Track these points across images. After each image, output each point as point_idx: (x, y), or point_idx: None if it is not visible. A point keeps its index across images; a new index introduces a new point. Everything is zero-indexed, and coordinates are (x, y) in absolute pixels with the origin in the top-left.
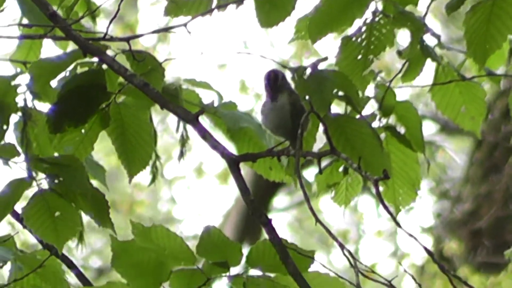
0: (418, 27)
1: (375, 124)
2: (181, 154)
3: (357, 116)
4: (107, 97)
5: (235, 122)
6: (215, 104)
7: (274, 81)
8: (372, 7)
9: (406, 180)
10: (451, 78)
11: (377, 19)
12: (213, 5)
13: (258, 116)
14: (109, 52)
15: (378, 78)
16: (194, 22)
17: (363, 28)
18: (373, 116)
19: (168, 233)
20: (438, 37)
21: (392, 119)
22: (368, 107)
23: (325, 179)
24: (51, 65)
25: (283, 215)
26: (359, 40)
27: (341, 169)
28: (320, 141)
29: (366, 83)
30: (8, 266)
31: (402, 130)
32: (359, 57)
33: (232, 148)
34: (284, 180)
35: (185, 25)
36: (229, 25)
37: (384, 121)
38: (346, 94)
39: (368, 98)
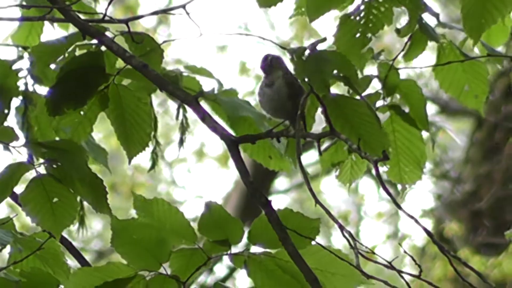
0: (416, 5)
1: (379, 103)
2: (181, 141)
3: (356, 97)
4: (106, 79)
5: (235, 110)
6: (215, 91)
7: (268, 64)
8: None
9: (411, 158)
10: (453, 57)
11: None
12: None
13: (257, 98)
14: (108, 34)
15: (381, 57)
16: (193, 4)
17: (362, 7)
18: (376, 94)
19: (169, 207)
20: (436, 15)
21: (396, 98)
22: (372, 86)
23: (330, 157)
24: (51, 47)
25: (283, 197)
26: (357, 18)
27: (345, 147)
28: (319, 122)
29: (365, 61)
30: (7, 248)
31: (406, 108)
32: (357, 35)
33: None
34: (284, 168)
35: (183, 6)
36: (228, 7)
37: (388, 99)
38: (345, 75)
39: (372, 77)
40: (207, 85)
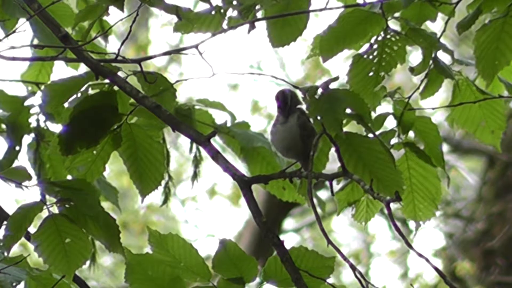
0: (430, 43)
1: (394, 140)
2: (195, 175)
3: (370, 135)
4: (119, 118)
5: (249, 141)
6: (228, 124)
7: (283, 101)
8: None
9: (426, 195)
10: (469, 93)
11: (388, 36)
12: (224, 23)
13: (269, 137)
14: (121, 74)
15: (397, 95)
16: (206, 43)
17: (375, 46)
18: (392, 132)
19: (184, 243)
20: (451, 52)
21: (411, 134)
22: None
23: (346, 196)
24: (63, 86)
25: (294, 236)
26: (370, 57)
27: None
28: (333, 160)
29: (378, 99)
30: (21, 285)
31: (421, 145)
32: (371, 73)
33: (244, 169)
34: (298, 200)
35: (196, 46)
36: (241, 47)
37: (403, 137)
38: (358, 113)
39: (387, 114)
40: (220, 118)
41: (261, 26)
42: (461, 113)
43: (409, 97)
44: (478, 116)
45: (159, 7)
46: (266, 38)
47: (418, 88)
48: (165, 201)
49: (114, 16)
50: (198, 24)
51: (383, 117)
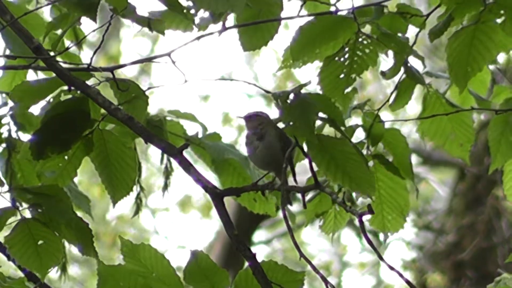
0: (402, 47)
1: (364, 152)
2: (165, 186)
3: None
4: (91, 124)
5: (220, 153)
6: (200, 136)
7: (256, 116)
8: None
9: (394, 207)
10: (439, 106)
11: (360, 39)
12: (195, 22)
13: (242, 149)
14: (93, 81)
15: (366, 107)
16: (177, 53)
17: (346, 48)
18: (361, 144)
19: (156, 254)
20: (422, 58)
21: (380, 148)
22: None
23: (314, 208)
24: (34, 88)
25: (264, 248)
26: (342, 59)
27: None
28: (304, 171)
29: (348, 100)
30: None
31: (390, 157)
32: (342, 76)
33: (215, 180)
34: (268, 212)
35: (169, 54)
36: (212, 56)
37: (372, 149)
38: (330, 117)
39: (356, 127)
40: (191, 129)
41: (233, 34)
42: (430, 126)
43: (379, 109)
44: (447, 129)
45: (130, 19)
46: (237, 45)
47: (388, 101)
48: (137, 211)
49: (86, 26)
50: (168, 21)
51: (352, 129)
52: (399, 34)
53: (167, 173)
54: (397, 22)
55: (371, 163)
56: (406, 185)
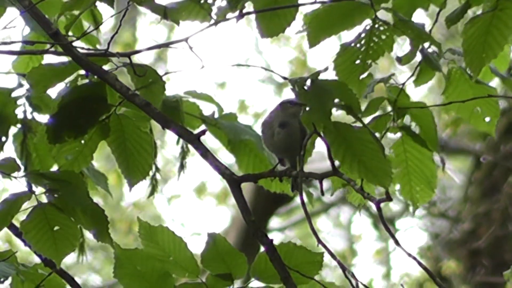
0: (418, 34)
1: (390, 124)
2: (181, 167)
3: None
4: (107, 109)
5: (236, 134)
6: (216, 116)
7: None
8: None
9: (422, 178)
10: (463, 81)
11: (377, 25)
12: (212, 13)
13: (262, 134)
14: (110, 66)
15: (391, 81)
16: (194, 39)
17: (363, 34)
18: (388, 116)
19: (174, 237)
20: (438, 45)
21: (407, 119)
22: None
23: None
24: (49, 72)
25: (277, 235)
26: (357, 45)
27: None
28: (322, 158)
29: (363, 86)
30: (9, 280)
31: (417, 129)
32: (357, 62)
33: (232, 160)
34: (285, 191)
35: (186, 40)
36: (229, 44)
37: (398, 121)
38: (347, 104)
39: (382, 99)
40: (207, 110)
41: (248, 23)
42: (456, 99)
43: (404, 84)
44: (472, 102)
45: (147, 7)
46: (253, 34)
47: (413, 74)
48: (152, 192)
49: (102, 11)
50: (186, 13)
51: (378, 101)
52: (416, 21)
53: (183, 153)
54: (417, 0)
55: (398, 135)
56: (432, 157)
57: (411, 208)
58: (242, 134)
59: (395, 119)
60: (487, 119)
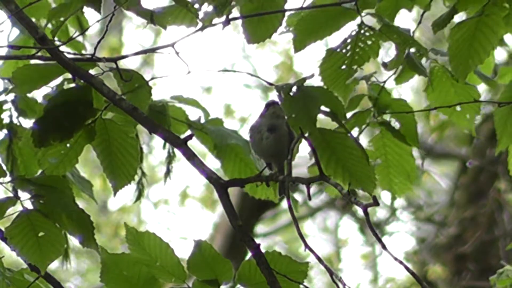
0: (404, 39)
1: (370, 120)
2: (168, 172)
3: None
4: (93, 113)
5: (223, 138)
6: (202, 121)
7: (274, 106)
8: (357, 20)
9: (401, 171)
10: (446, 80)
11: (362, 31)
12: (199, 17)
13: (250, 140)
14: (96, 71)
15: (373, 79)
16: (180, 45)
17: (348, 40)
18: (368, 112)
19: (160, 242)
20: (425, 50)
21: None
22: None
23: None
24: (35, 72)
25: (264, 240)
26: (343, 51)
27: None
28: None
29: (349, 91)
30: None
31: (397, 126)
32: (343, 67)
33: (218, 165)
34: (270, 197)
35: (172, 45)
36: (215, 49)
37: (379, 118)
38: (332, 110)
39: (363, 96)
40: (193, 115)
41: (235, 28)
42: (437, 98)
43: (385, 81)
44: (454, 101)
45: (133, 11)
46: (239, 39)
47: (395, 72)
48: (139, 197)
49: (87, 15)
50: (172, 18)
51: (358, 98)
52: (401, 26)
53: (170, 159)
54: (402, 1)
55: (378, 130)
56: (412, 152)
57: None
58: (228, 139)
59: (376, 115)
60: (467, 116)
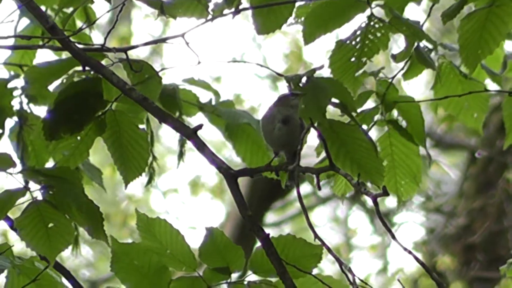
0: (413, 31)
1: (378, 117)
2: (181, 155)
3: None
4: (103, 105)
5: (235, 118)
6: (213, 103)
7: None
8: (367, 11)
9: (407, 172)
10: (453, 76)
11: (372, 23)
12: (209, 9)
13: (262, 128)
14: (106, 61)
15: (380, 75)
16: (191, 32)
17: (358, 32)
18: (376, 109)
19: (171, 229)
20: (434, 43)
21: (395, 113)
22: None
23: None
24: (47, 69)
25: (273, 230)
26: (353, 43)
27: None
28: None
29: (358, 84)
30: (4, 273)
31: (404, 123)
32: (353, 59)
33: (228, 155)
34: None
35: (182, 35)
36: (224, 39)
37: (386, 115)
38: (342, 102)
39: (371, 92)
40: (204, 97)
41: (245, 17)
42: (445, 95)
43: (393, 77)
44: (461, 98)
45: (143, 1)
46: (249, 28)
47: (403, 68)
48: (150, 180)
49: (96, 5)
50: (183, 9)
51: (366, 94)
52: (411, 18)
53: (183, 141)
54: None
55: (385, 129)
56: (419, 151)
57: (401, 202)
58: (240, 118)
59: (383, 113)
60: (475, 115)
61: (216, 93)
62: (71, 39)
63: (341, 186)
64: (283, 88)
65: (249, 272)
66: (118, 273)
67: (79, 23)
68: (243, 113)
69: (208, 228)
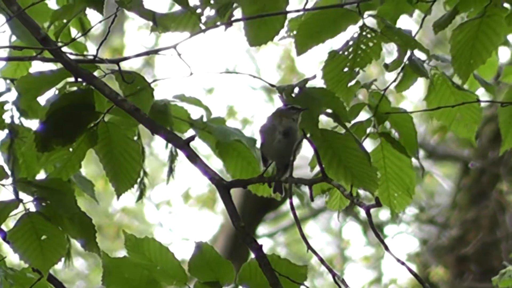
0: (406, 41)
1: (370, 130)
2: (170, 171)
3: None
4: (95, 116)
5: (226, 135)
6: (204, 119)
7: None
8: (359, 22)
9: (400, 184)
10: (445, 88)
11: (364, 33)
12: (201, 23)
13: (259, 137)
14: (98, 73)
15: (373, 87)
16: (183, 44)
17: (350, 42)
18: (368, 121)
19: (160, 247)
20: (427, 51)
21: (387, 125)
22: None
23: (320, 184)
24: (38, 80)
25: (266, 241)
26: (345, 53)
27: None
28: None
29: (351, 94)
30: None
31: (397, 135)
32: (345, 69)
33: (221, 166)
34: (273, 195)
35: (175, 46)
36: (217, 50)
37: (378, 127)
38: (334, 112)
39: (363, 105)
40: (195, 114)
41: (238, 28)
42: (438, 106)
43: (385, 89)
44: (454, 109)
45: (135, 12)
46: (242, 40)
47: (395, 80)
48: (141, 196)
49: (90, 17)
50: (175, 24)
51: (358, 107)
52: (403, 28)
53: (172, 157)
54: (403, 6)
55: (378, 141)
56: (412, 163)
57: (394, 215)
58: (231, 136)
59: (376, 125)
60: (468, 125)
61: (207, 109)
62: (66, 49)
63: (336, 201)
64: (278, 99)
65: (240, 286)
66: (109, 286)
67: (74, 32)
68: (234, 130)
69: (197, 243)
